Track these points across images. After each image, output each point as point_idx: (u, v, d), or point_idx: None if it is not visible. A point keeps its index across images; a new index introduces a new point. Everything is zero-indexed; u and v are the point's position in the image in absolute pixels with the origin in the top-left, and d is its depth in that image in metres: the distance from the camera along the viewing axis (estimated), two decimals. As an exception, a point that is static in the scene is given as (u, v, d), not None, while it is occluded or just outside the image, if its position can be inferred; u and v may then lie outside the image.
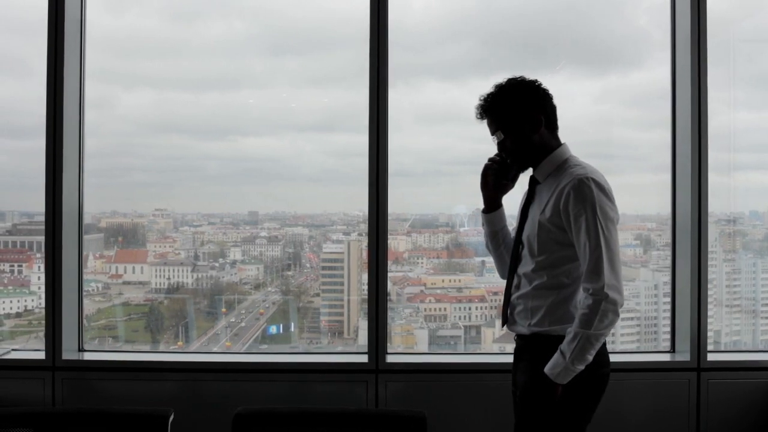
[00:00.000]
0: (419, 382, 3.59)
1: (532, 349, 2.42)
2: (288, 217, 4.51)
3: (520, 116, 2.43)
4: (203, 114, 4.17)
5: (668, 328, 3.95)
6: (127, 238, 4.41)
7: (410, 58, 3.51)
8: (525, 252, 2.48)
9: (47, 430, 2.17)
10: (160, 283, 4.33)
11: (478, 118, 2.50)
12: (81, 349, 3.78)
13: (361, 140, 3.59)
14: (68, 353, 3.65)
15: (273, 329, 4.31)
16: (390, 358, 3.63)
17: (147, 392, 3.57)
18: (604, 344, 2.38)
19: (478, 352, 4.19)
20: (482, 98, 2.47)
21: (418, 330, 4.19)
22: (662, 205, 3.98)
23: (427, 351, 4.14)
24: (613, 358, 3.77)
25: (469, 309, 4.26)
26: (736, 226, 4.12)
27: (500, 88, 2.45)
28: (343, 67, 4.04)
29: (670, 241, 3.79)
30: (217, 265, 4.42)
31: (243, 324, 4.29)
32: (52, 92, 3.57)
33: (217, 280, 4.40)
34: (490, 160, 2.59)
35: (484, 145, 4.07)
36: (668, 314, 3.99)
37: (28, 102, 4.05)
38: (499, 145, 2.51)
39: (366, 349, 3.64)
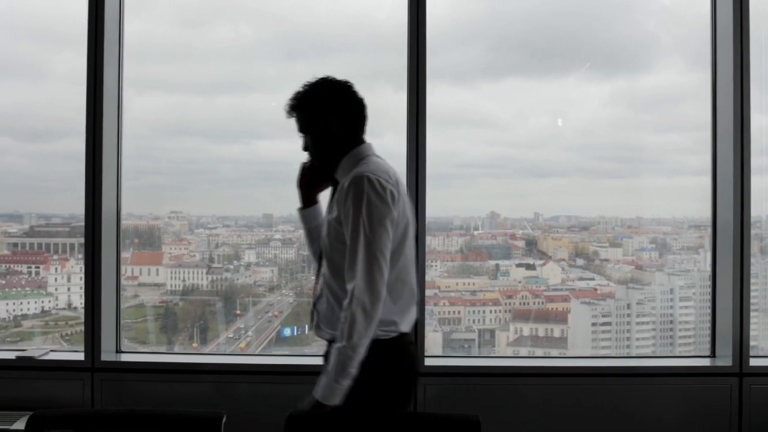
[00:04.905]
0: (457, 386, 3.56)
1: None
2: (302, 220, 4.50)
3: (314, 116, 2.40)
4: (216, 117, 4.19)
5: (685, 333, 3.91)
6: (142, 240, 4.44)
7: (420, 62, 3.51)
8: (323, 253, 2.43)
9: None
10: (176, 285, 4.36)
11: (287, 118, 2.46)
12: (119, 351, 3.81)
13: (375, 143, 3.59)
14: (106, 355, 3.68)
15: (287, 331, 4.31)
16: (428, 361, 3.62)
17: (185, 393, 3.59)
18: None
19: (519, 355, 4.14)
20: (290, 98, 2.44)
21: (432, 333, 4.17)
22: (677, 209, 3.94)
23: (456, 354, 4.13)
24: (651, 362, 3.82)
25: (483, 312, 4.23)
26: (753, 230, 4.05)
27: (303, 88, 2.43)
28: (354, 70, 4.02)
29: (686, 245, 3.74)
30: (231, 267, 4.44)
31: (257, 326, 4.31)
32: (92, 97, 3.60)
33: (231, 283, 4.41)
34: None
35: (495, 148, 4.09)
36: (685, 318, 3.97)
37: (43, 106, 4.11)
38: (303, 144, 2.49)
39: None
